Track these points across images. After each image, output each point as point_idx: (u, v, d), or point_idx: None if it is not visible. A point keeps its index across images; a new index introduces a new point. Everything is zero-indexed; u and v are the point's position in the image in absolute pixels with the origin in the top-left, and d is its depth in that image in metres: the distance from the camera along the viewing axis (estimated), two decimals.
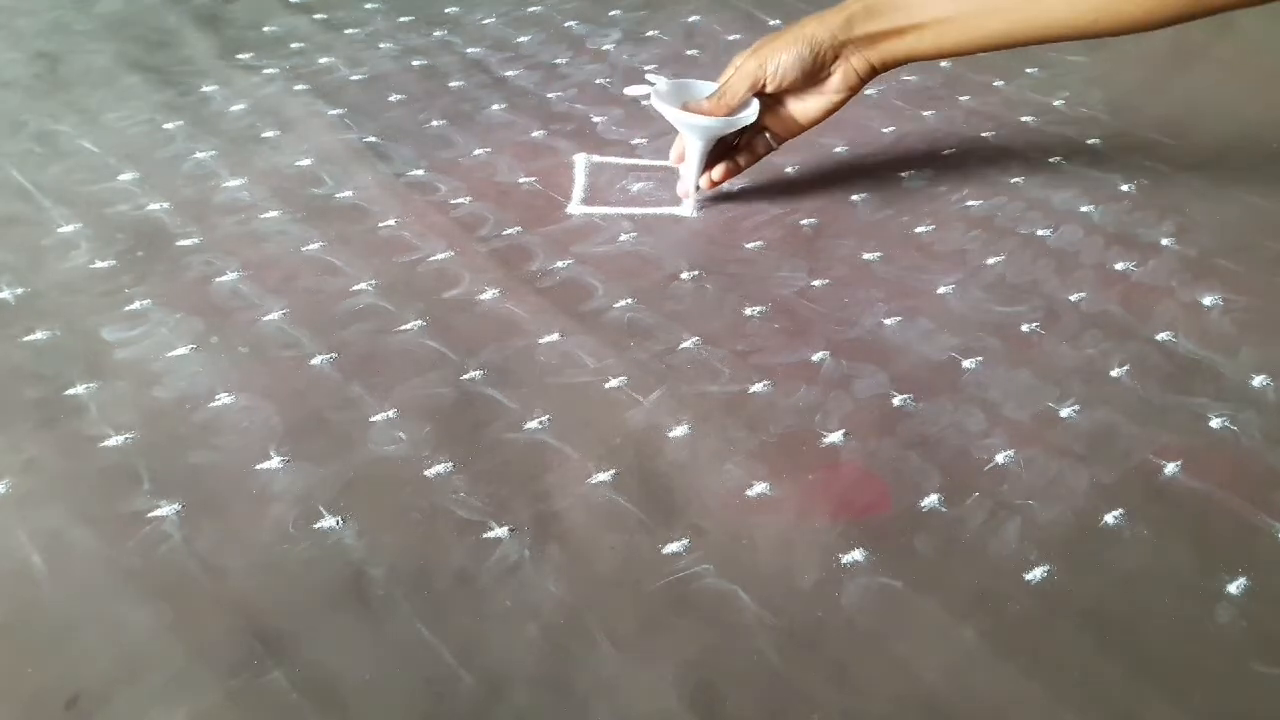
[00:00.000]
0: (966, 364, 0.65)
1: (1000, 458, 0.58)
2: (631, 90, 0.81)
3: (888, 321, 0.68)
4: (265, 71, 0.98)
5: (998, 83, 1.02)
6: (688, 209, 0.79)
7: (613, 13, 1.14)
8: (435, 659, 0.46)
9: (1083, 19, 0.66)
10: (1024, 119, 0.95)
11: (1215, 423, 0.61)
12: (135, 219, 0.75)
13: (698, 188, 0.78)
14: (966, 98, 0.99)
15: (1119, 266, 0.75)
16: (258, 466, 0.55)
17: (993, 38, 0.69)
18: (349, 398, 0.60)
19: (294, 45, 1.03)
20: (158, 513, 0.52)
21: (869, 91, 0.99)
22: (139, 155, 0.83)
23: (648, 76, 0.77)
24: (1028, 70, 1.04)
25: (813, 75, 0.72)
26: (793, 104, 0.75)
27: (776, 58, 0.71)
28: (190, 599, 0.48)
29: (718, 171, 0.77)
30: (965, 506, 0.55)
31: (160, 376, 0.61)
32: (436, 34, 1.08)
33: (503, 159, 0.85)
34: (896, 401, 0.62)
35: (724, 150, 0.78)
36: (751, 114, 0.74)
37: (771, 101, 0.74)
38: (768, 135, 0.77)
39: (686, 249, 0.75)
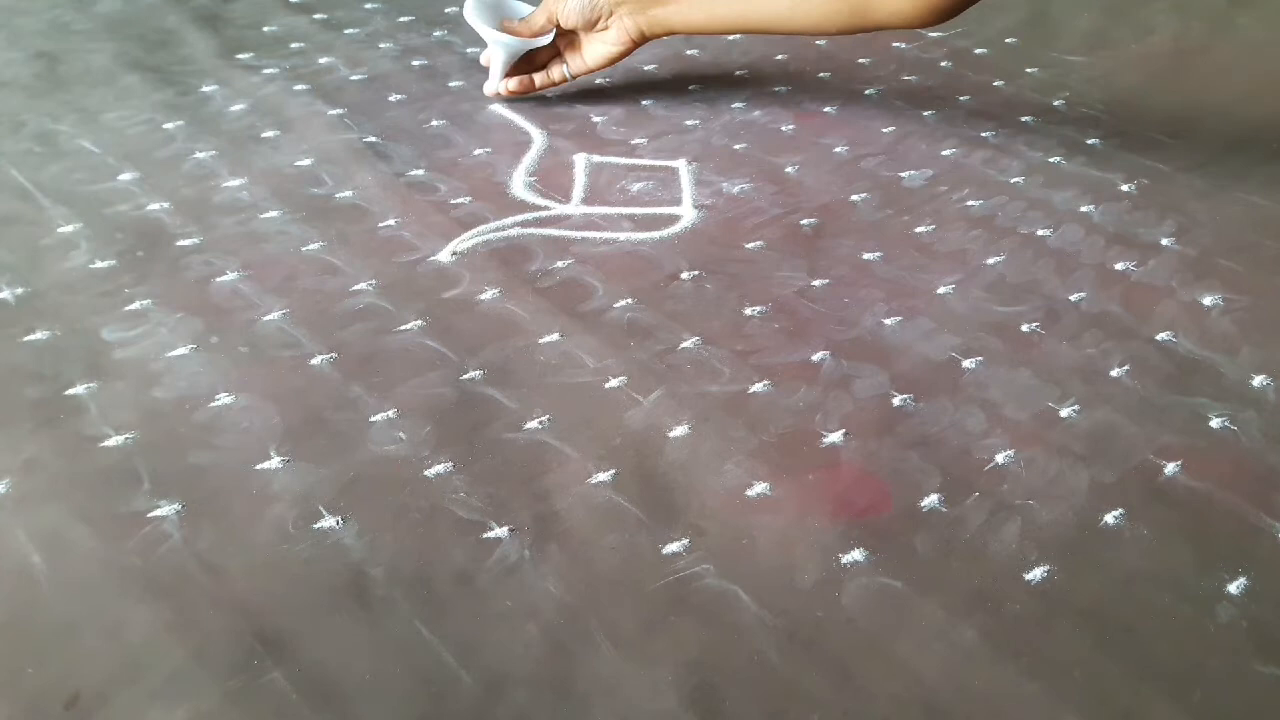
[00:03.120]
0: (966, 364, 0.65)
1: (1000, 458, 0.58)
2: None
3: (888, 321, 0.68)
4: (265, 71, 0.98)
5: (998, 83, 1.02)
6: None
7: None
8: (435, 659, 0.46)
9: (789, 19, 0.85)
10: (1024, 119, 0.95)
11: (1215, 423, 0.61)
12: (135, 219, 0.75)
13: (498, 93, 0.94)
14: (966, 98, 0.99)
15: (1119, 266, 0.75)
16: (258, 466, 0.55)
17: (728, 21, 0.88)
18: (349, 398, 0.60)
19: (294, 45, 1.03)
20: (158, 513, 0.52)
21: (868, 91, 1.00)
22: (139, 155, 0.83)
23: None
24: (1028, 70, 1.04)
25: (591, 24, 0.90)
26: (584, 44, 0.93)
27: (567, 2, 0.89)
28: (190, 599, 0.48)
29: (513, 82, 0.94)
30: (965, 506, 0.55)
31: (160, 376, 0.61)
32: (436, 34, 1.08)
33: (503, 159, 0.85)
34: (896, 401, 0.62)
35: (526, 69, 0.94)
36: (545, 39, 0.92)
37: (571, 38, 0.93)
38: (565, 67, 0.94)
39: (686, 249, 0.75)
